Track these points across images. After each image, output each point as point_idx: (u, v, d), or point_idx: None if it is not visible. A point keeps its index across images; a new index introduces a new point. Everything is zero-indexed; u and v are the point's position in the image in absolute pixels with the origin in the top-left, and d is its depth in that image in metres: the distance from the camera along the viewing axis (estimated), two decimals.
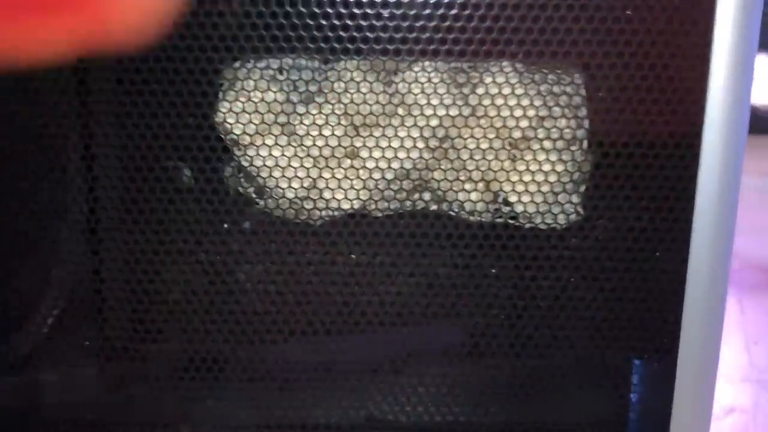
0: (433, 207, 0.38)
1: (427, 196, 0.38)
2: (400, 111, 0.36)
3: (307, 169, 0.37)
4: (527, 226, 0.38)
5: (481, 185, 0.37)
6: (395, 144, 0.37)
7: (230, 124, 0.37)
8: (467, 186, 0.37)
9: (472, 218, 0.38)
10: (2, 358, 0.41)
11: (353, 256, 0.38)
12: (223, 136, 0.37)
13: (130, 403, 0.43)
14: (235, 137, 0.37)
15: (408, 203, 0.38)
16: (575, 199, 0.37)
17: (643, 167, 0.36)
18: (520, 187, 0.37)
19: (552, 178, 0.37)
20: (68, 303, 0.40)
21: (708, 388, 0.38)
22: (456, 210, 0.38)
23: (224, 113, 0.36)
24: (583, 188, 0.37)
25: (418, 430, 0.43)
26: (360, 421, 0.43)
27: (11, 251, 0.39)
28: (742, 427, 0.62)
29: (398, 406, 0.42)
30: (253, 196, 0.38)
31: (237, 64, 0.36)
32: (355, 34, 0.35)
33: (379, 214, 0.38)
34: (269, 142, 0.37)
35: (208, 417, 0.42)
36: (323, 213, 0.38)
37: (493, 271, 0.38)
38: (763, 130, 1.40)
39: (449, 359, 0.40)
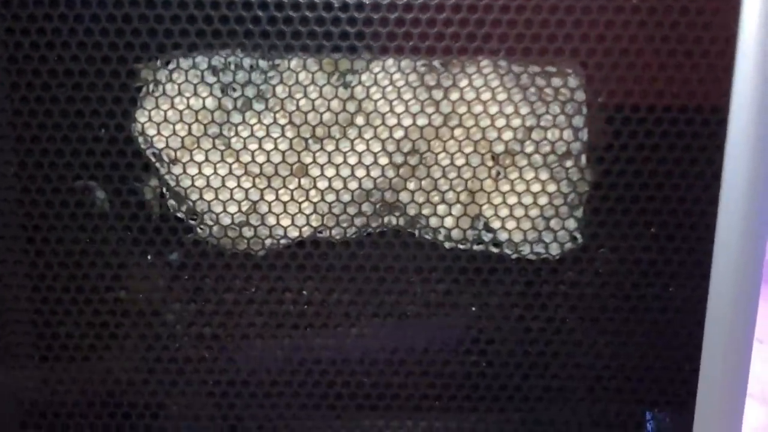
0: (403, 229, 0.32)
1: (393, 219, 0.31)
2: (358, 119, 0.30)
3: (246, 189, 0.30)
4: (513, 256, 0.31)
5: (457, 208, 0.31)
6: (352, 160, 0.30)
7: (150, 135, 0.30)
8: (440, 209, 0.31)
9: (447, 245, 0.31)
10: None
11: (304, 292, 0.32)
12: (142, 150, 0.30)
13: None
14: (157, 151, 0.30)
15: (370, 228, 0.32)
16: (571, 224, 0.31)
17: (653, 187, 0.30)
18: (504, 211, 0.31)
19: (542, 200, 0.30)
20: None
21: None
22: (429, 236, 0.31)
23: (143, 123, 0.30)
24: (579, 212, 0.31)
25: None
26: None
27: None
28: None
29: None
30: (184, 221, 0.31)
31: (157, 64, 0.30)
32: (300, 26, 0.28)
33: (335, 240, 0.31)
34: (199, 157, 0.30)
35: None
36: (266, 242, 0.31)
37: (473, 309, 0.32)
38: None
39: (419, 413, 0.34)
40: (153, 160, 0.31)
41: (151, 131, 0.30)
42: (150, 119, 0.30)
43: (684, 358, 0.32)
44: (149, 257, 0.32)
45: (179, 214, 0.32)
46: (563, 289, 0.32)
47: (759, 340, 0.71)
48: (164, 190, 0.31)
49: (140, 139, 0.31)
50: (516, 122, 0.30)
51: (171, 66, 0.30)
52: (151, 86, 0.30)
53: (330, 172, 0.30)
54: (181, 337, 0.32)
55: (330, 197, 0.31)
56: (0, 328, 0.33)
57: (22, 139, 0.30)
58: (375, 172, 0.30)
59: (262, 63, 0.30)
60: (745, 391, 0.32)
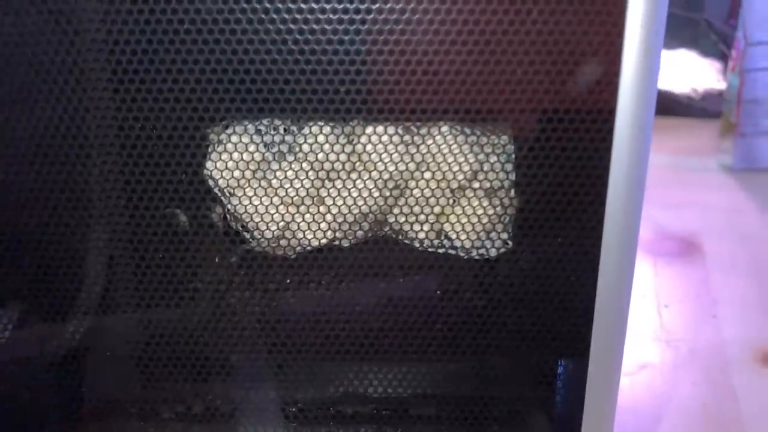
0: (391, 237, 0.37)
1: (387, 227, 0.37)
2: (358, 166, 0.35)
3: (282, 214, 0.36)
4: (465, 257, 0.37)
5: (427, 225, 0.36)
6: (354, 193, 0.36)
7: (216, 178, 0.36)
8: (415, 226, 0.36)
9: (421, 248, 0.37)
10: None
11: (322, 282, 0.38)
12: (211, 187, 0.36)
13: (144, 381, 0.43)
14: (220, 188, 0.36)
15: (370, 234, 0.37)
16: (504, 235, 0.36)
17: (559, 211, 0.35)
18: (458, 227, 0.36)
19: (484, 219, 0.36)
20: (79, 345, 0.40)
21: (613, 382, 0.38)
22: (409, 241, 0.37)
23: (211, 169, 0.35)
24: (510, 226, 0.36)
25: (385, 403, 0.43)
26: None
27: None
28: (652, 380, 0.62)
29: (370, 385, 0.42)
30: (240, 235, 0.37)
31: (220, 128, 0.35)
32: (318, 104, 0.34)
33: (346, 245, 0.37)
34: (249, 192, 0.36)
35: (217, 394, 0.42)
36: (297, 248, 0.37)
37: (437, 292, 0.38)
38: (679, 113, 1.39)
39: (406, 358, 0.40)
40: (218, 194, 0.37)
41: (216, 174, 0.36)
42: (216, 167, 0.36)
43: (580, 324, 0.37)
44: (216, 260, 0.38)
45: (237, 230, 0.38)
46: (499, 278, 0.37)
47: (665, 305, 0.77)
48: (226, 214, 0.37)
49: (209, 180, 0.36)
50: (465, 168, 0.35)
51: (229, 130, 0.35)
52: (215, 144, 0.35)
53: (339, 201, 0.36)
54: (240, 313, 0.39)
55: (340, 218, 0.37)
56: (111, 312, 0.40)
57: (130, 181, 0.36)
58: (370, 201, 0.36)
59: (293, 127, 0.35)
60: (623, 343, 0.38)
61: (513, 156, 0.35)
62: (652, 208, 0.98)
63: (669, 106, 1.39)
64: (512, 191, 0.36)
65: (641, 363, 0.64)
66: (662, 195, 1.04)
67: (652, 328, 0.70)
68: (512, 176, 0.35)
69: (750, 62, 1.13)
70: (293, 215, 0.36)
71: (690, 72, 1.47)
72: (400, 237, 0.37)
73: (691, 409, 0.58)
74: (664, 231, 0.92)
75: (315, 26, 0.32)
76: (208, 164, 0.35)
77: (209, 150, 0.35)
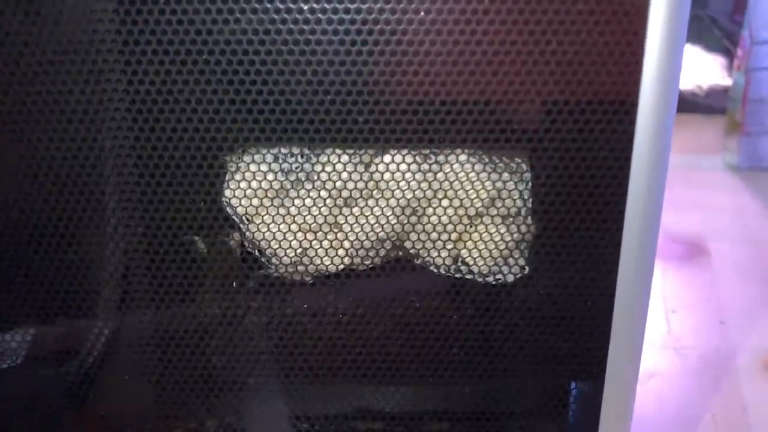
0: (408, 261, 0.38)
1: (404, 252, 0.37)
2: (375, 192, 0.35)
3: (300, 240, 0.36)
4: (482, 282, 0.37)
5: (444, 251, 0.37)
6: (371, 219, 0.36)
7: (234, 205, 0.36)
8: (432, 252, 0.37)
9: (438, 273, 0.38)
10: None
11: (339, 306, 0.38)
12: (229, 214, 0.36)
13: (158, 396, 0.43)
14: (238, 215, 0.36)
15: (388, 257, 0.38)
16: (521, 261, 0.37)
17: (576, 236, 0.36)
18: (475, 253, 0.36)
19: (501, 245, 0.36)
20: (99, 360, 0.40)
21: (628, 405, 0.39)
22: (426, 265, 0.37)
23: (229, 196, 0.36)
24: (527, 252, 0.37)
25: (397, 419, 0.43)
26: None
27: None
28: (660, 389, 0.62)
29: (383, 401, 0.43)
30: (259, 260, 0.37)
31: (237, 156, 0.35)
32: (334, 133, 0.34)
33: (363, 268, 0.38)
34: (267, 219, 0.36)
35: (231, 409, 0.43)
36: (314, 274, 0.37)
37: (454, 317, 0.38)
38: (684, 109, 1.39)
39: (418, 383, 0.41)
40: (236, 221, 0.37)
41: (234, 202, 0.36)
42: (234, 194, 0.36)
43: (596, 348, 0.38)
44: (234, 285, 0.38)
45: (255, 257, 0.38)
46: (515, 303, 0.38)
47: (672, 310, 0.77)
48: (244, 240, 0.38)
49: (227, 207, 0.36)
50: (483, 195, 0.35)
51: (246, 157, 0.35)
52: (233, 171, 0.35)
53: (357, 228, 0.36)
54: (256, 337, 0.39)
55: (357, 244, 0.37)
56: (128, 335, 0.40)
57: (148, 210, 0.36)
58: (387, 227, 0.36)
59: (310, 155, 0.35)
60: (638, 367, 0.38)
61: (530, 182, 0.35)
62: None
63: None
64: (529, 217, 0.36)
65: (650, 372, 0.64)
66: (668, 195, 1.04)
67: (660, 335, 0.70)
68: (529, 202, 0.36)
69: (756, 61, 1.12)
70: (311, 242, 0.36)
71: (694, 68, 1.47)
72: (416, 261, 0.37)
73: (699, 419, 0.58)
74: (670, 234, 0.92)
75: (333, 56, 0.32)
76: (227, 192, 0.35)
77: (227, 177, 0.35)
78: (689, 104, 1.41)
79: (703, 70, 1.47)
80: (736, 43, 1.25)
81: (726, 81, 1.43)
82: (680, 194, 1.05)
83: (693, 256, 0.87)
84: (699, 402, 0.60)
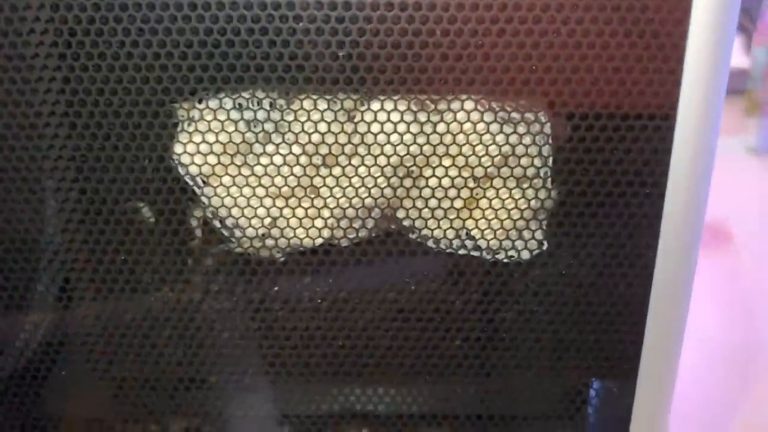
0: (403, 233, 0.31)
1: (396, 224, 0.31)
2: (361, 149, 0.29)
3: (268, 208, 0.30)
4: (491, 259, 0.31)
5: (445, 222, 0.30)
6: (356, 182, 0.29)
7: (186, 164, 0.29)
8: (431, 223, 0.30)
9: (437, 249, 0.31)
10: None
11: (317, 289, 0.32)
12: (180, 176, 0.30)
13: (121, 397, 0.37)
14: (191, 177, 0.30)
15: (375, 232, 0.31)
16: (538, 234, 0.30)
17: (608, 205, 0.29)
18: (483, 224, 0.30)
19: (515, 214, 0.30)
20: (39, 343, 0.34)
21: (664, 410, 0.32)
22: (423, 240, 0.31)
23: (179, 153, 0.29)
24: (545, 224, 0.30)
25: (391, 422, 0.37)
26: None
27: None
28: (683, 382, 0.57)
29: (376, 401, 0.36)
30: (218, 233, 0.31)
31: (190, 103, 0.29)
32: (311, 72, 0.27)
33: (346, 244, 0.31)
34: (227, 181, 0.29)
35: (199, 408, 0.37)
36: (286, 249, 0.31)
37: (457, 303, 0.32)
38: None
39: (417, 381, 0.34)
40: (190, 184, 0.30)
41: (186, 159, 0.29)
42: (185, 150, 0.29)
43: (628, 340, 0.32)
44: (189, 263, 0.32)
45: (213, 227, 0.31)
46: (532, 286, 0.31)
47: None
48: (201, 208, 0.31)
49: (178, 166, 0.29)
50: (493, 152, 0.29)
51: (201, 105, 0.28)
52: (185, 122, 0.29)
53: (338, 192, 0.30)
54: (217, 329, 0.33)
55: (338, 213, 0.30)
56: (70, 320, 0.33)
57: (83, 169, 0.29)
58: (375, 192, 0.30)
59: (280, 102, 0.29)
60: (677, 364, 0.32)
61: (551, 138, 0.29)
62: None
63: None
64: (550, 180, 0.29)
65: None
66: None
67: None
68: (550, 162, 0.29)
69: None
70: (281, 209, 0.30)
71: None
72: (411, 235, 0.31)
73: (725, 411, 0.53)
74: None
75: None
76: (177, 147, 0.29)
77: (177, 130, 0.29)
78: None
79: None
80: (755, 19, 1.18)
81: (743, 62, 1.36)
82: None
83: (715, 243, 0.81)
84: (724, 394, 0.55)
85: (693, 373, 0.58)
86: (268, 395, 0.36)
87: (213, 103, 0.28)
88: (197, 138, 0.29)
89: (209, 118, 0.29)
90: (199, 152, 0.29)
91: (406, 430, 0.37)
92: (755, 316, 0.66)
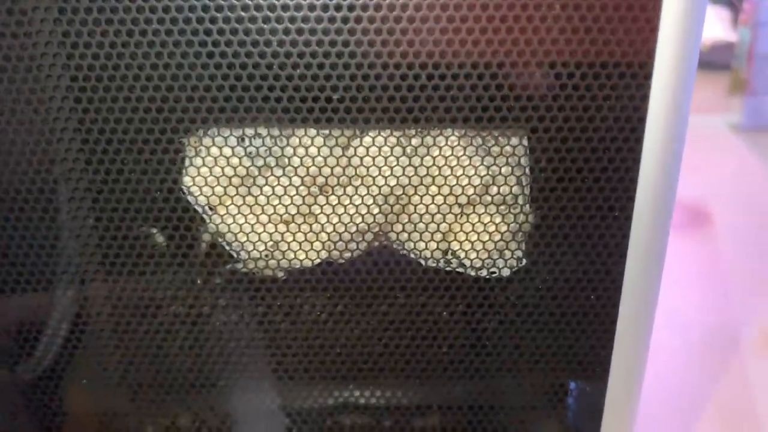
0: (395, 249, 0.34)
1: (387, 241, 0.34)
2: (355, 179, 0.31)
3: (270, 233, 0.32)
4: (474, 275, 0.34)
5: (432, 243, 0.33)
6: (351, 209, 0.32)
7: (195, 194, 0.32)
8: (419, 245, 0.33)
9: (427, 265, 0.34)
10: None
11: (315, 304, 0.34)
12: (189, 204, 0.32)
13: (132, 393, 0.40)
14: (200, 205, 0.32)
15: (369, 249, 0.34)
16: (517, 252, 0.33)
17: (580, 227, 0.32)
18: (467, 245, 0.33)
19: (496, 236, 0.32)
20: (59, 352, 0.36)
21: (633, 407, 0.36)
22: (413, 257, 0.34)
23: (188, 184, 0.31)
24: (524, 243, 0.33)
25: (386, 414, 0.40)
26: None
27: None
28: (658, 365, 0.60)
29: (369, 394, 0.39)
30: (228, 254, 0.34)
31: (197, 138, 0.31)
32: (307, 112, 0.30)
33: (342, 261, 0.34)
34: (232, 209, 0.32)
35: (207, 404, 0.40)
36: (287, 268, 0.34)
37: (444, 314, 0.34)
38: None
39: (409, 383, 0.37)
40: (199, 211, 0.33)
41: (194, 190, 0.32)
42: (194, 181, 0.32)
43: (600, 344, 0.34)
44: (199, 281, 0.35)
45: (221, 250, 0.34)
46: (511, 299, 0.34)
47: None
48: (209, 232, 0.34)
49: (188, 196, 0.32)
50: (476, 181, 0.31)
51: (206, 140, 0.31)
52: (192, 155, 0.31)
53: (334, 218, 0.32)
54: (225, 339, 0.36)
55: (335, 236, 0.33)
56: (86, 342, 0.36)
57: (99, 199, 0.32)
58: (369, 218, 0.32)
59: (280, 136, 0.31)
60: (645, 367, 0.35)
61: (528, 166, 0.31)
62: None
63: None
64: (527, 205, 0.32)
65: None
66: None
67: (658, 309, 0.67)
68: (527, 189, 0.32)
69: (765, 15, 1.07)
70: (282, 234, 0.32)
71: None
72: (402, 252, 0.34)
73: (700, 393, 0.56)
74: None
75: (304, 23, 0.28)
76: (186, 178, 0.31)
77: (186, 162, 0.31)
78: None
79: (707, 23, 1.42)
80: None
81: (730, 36, 1.38)
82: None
83: (694, 224, 0.84)
84: (700, 377, 0.58)
85: (669, 354, 0.61)
86: (270, 393, 0.39)
87: (217, 138, 0.31)
88: (204, 170, 0.31)
89: (214, 151, 0.31)
90: (206, 183, 0.31)
91: (398, 420, 0.41)
92: (733, 298, 0.69)
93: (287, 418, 0.40)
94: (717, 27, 1.45)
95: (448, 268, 0.34)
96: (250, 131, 0.31)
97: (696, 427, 0.53)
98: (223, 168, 0.31)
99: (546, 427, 0.39)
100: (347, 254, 0.33)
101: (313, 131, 0.31)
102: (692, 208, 0.87)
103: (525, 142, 0.31)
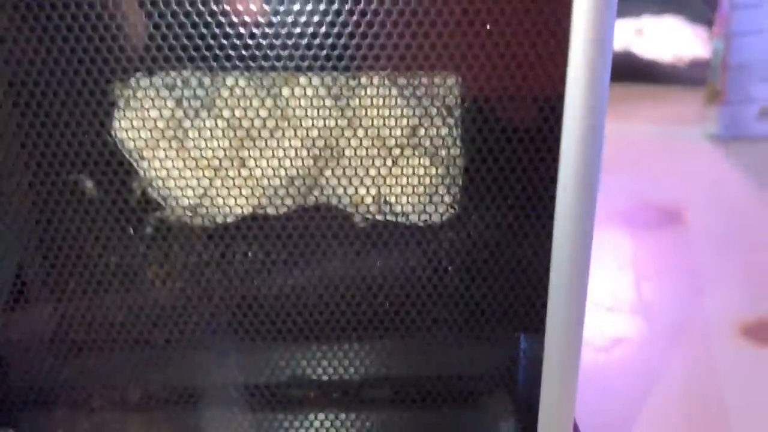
0: (328, 203, 0.34)
1: (318, 197, 0.33)
2: (282, 122, 0.31)
3: (198, 179, 0.32)
4: (407, 223, 0.33)
5: (362, 189, 0.32)
6: (280, 153, 0.32)
7: (121, 138, 0.31)
8: (350, 190, 0.32)
9: (359, 215, 0.34)
10: None
11: (249, 254, 0.34)
12: (117, 150, 0.32)
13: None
14: (127, 151, 0.32)
15: (302, 200, 0.33)
16: (447, 198, 0.33)
17: (509, 169, 0.32)
18: (397, 190, 0.32)
19: (426, 180, 0.32)
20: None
21: (573, 358, 0.35)
22: (345, 207, 0.33)
23: (116, 129, 0.31)
24: (455, 188, 0.33)
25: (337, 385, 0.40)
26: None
27: None
28: (628, 355, 0.59)
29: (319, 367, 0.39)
30: (158, 203, 0.33)
31: (124, 83, 0.31)
32: (233, 52, 0.30)
33: (274, 213, 0.33)
34: (160, 154, 0.32)
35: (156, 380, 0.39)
36: (217, 218, 0.33)
37: (378, 263, 0.34)
38: (663, 81, 1.35)
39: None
40: (127, 157, 0.33)
41: (122, 135, 0.32)
42: (121, 126, 0.32)
43: (534, 294, 0.34)
44: (130, 231, 0.34)
45: (149, 198, 0.34)
46: (444, 247, 0.34)
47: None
48: (140, 179, 0.33)
49: (117, 142, 0.32)
50: (403, 122, 0.31)
51: (134, 85, 0.31)
52: (120, 101, 0.31)
53: (263, 163, 0.32)
54: (155, 289, 0.35)
55: (264, 182, 0.32)
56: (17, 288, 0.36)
57: (27, 144, 0.31)
58: (298, 162, 0.32)
59: (206, 80, 0.31)
60: (583, 314, 0.34)
61: (458, 109, 0.31)
62: (632, 178, 0.95)
63: (653, 73, 1.35)
64: (457, 149, 0.32)
65: (616, 338, 0.60)
66: (643, 165, 1.01)
67: (629, 302, 0.66)
68: (456, 131, 0.31)
69: (736, 26, 1.09)
70: (211, 180, 0.32)
71: (675, 39, 1.43)
72: (334, 203, 0.33)
73: (669, 385, 0.55)
74: (644, 201, 0.88)
75: None
76: (114, 123, 0.31)
77: (115, 109, 0.31)
78: (669, 76, 1.38)
79: (685, 41, 1.43)
80: (715, 11, 1.22)
81: (708, 53, 1.40)
82: (656, 163, 1.01)
83: (668, 223, 0.84)
84: (668, 368, 0.57)
85: (637, 344, 0.60)
86: (213, 360, 0.38)
87: (144, 82, 0.31)
88: (130, 114, 0.31)
89: (141, 96, 0.31)
90: (132, 127, 0.31)
91: (350, 393, 0.40)
92: (701, 294, 0.68)
93: (234, 391, 0.39)
94: (696, 44, 1.47)
95: (379, 217, 0.33)
96: (178, 78, 0.31)
97: (665, 417, 0.52)
98: (151, 114, 0.31)
99: (495, 391, 0.38)
100: (278, 203, 0.33)
101: (240, 77, 0.31)
102: (666, 209, 0.87)
103: (455, 85, 0.31)
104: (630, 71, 1.33)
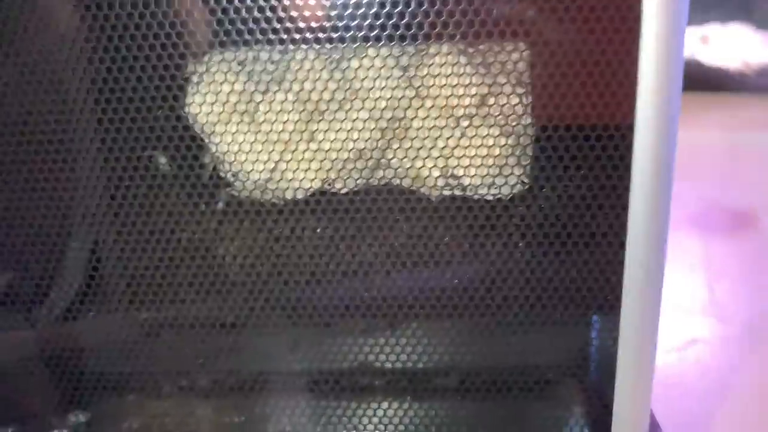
0: (394, 181, 0.33)
1: (385, 172, 0.33)
2: (350, 95, 0.31)
3: (268, 152, 0.32)
4: (475, 197, 0.33)
5: (430, 161, 0.32)
6: (347, 126, 0.32)
7: (195, 114, 0.32)
8: (418, 163, 0.32)
9: (426, 191, 0.33)
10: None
11: (318, 230, 0.34)
12: (190, 125, 0.32)
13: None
14: (200, 126, 0.32)
15: (369, 180, 0.33)
16: (517, 171, 0.32)
17: (582, 139, 0.31)
18: (465, 162, 0.32)
19: (495, 152, 0.31)
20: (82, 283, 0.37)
21: (650, 340, 0.33)
22: (412, 184, 0.33)
23: (189, 104, 0.32)
24: (526, 160, 0.32)
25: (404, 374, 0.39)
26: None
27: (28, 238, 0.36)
28: (702, 356, 0.56)
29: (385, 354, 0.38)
30: (229, 179, 0.34)
31: (198, 59, 0.31)
32: (302, 27, 0.30)
33: (343, 191, 0.33)
34: (231, 129, 0.32)
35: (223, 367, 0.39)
36: (286, 193, 0.33)
37: (446, 239, 0.33)
38: (728, 88, 1.31)
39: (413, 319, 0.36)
40: (200, 133, 0.33)
41: (195, 110, 0.32)
42: (194, 102, 0.32)
43: (609, 271, 0.32)
44: (202, 206, 0.35)
45: (222, 173, 0.34)
46: (515, 221, 0.33)
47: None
48: (210, 155, 0.34)
49: (190, 118, 0.32)
50: (472, 92, 0.30)
51: (208, 63, 0.31)
52: (194, 77, 0.32)
53: (331, 137, 0.32)
54: (228, 267, 0.35)
55: (332, 156, 0.33)
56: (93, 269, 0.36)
57: (103, 121, 0.32)
58: (365, 135, 0.32)
59: (276, 55, 0.32)
60: (660, 295, 0.33)
61: (528, 77, 0.31)
62: (705, 183, 0.91)
63: (721, 81, 1.30)
64: (527, 118, 0.31)
65: (690, 338, 0.58)
66: (716, 170, 0.97)
67: (702, 303, 0.63)
68: (526, 101, 0.31)
69: None
70: (281, 154, 0.32)
71: (743, 46, 1.39)
72: (401, 180, 0.33)
73: (741, 386, 0.52)
74: (717, 205, 0.85)
75: None
76: (188, 100, 0.32)
77: (190, 88, 0.32)
78: (737, 83, 1.33)
79: (753, 48, 1.38)
80: None
81: None
82: (727, 169, 0.98)
83: (741, 227, 0.80)
84: (741, 369, 0.54)
85: (711, 344, 0.58)
86: (283, 346, 0.38)
87: (218, 59, 0.31)
88: (204, 90, 0.31)
89: (214, 72, 0.31)
90: (205, 103, 0.32)
91: (416, 380, 0.39)
92: None
93: (303, 378, 0.39)
94: (764, 51, 1.42)
95: (447, 191, 0.33)
96: (247, 54, 0.31)
97: (742, 417, 0.49)
98: (224, 89, 0.31)
99: (565, 380, 0.37)
100: (347, 177, 0.33)
101: (309, 50, 0.31)
102: (740, 214, 0.84)
103: (525, 54, 0.30)
104: (696, 79, 1.29)
